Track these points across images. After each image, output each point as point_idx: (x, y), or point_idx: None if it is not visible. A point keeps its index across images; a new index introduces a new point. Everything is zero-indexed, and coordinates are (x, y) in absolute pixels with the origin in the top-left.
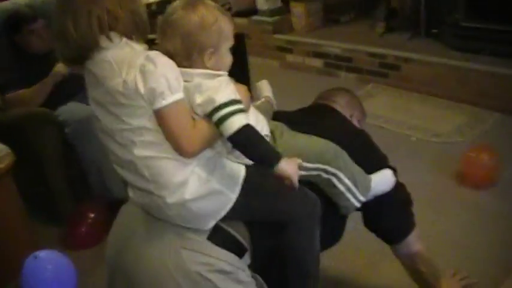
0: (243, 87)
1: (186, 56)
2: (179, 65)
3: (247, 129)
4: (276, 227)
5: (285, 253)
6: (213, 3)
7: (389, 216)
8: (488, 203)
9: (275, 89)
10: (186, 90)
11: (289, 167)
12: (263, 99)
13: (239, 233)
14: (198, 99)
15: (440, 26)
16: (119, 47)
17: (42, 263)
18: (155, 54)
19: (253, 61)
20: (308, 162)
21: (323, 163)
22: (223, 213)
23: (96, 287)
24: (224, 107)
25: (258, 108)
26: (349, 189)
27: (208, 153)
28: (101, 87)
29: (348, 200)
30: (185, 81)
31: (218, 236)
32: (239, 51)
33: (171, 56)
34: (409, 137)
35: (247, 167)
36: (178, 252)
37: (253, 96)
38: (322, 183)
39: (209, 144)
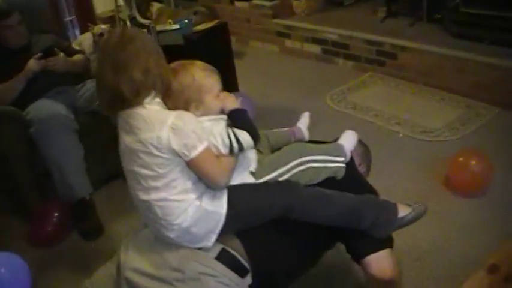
0: (231, 98)
1: (184, 108)
2: None
3: (251, 135)
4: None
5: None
6: (194, 64)
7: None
8: (473, 213)
9: (273, 74)
10: None
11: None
12: (287, 128)
13: (242, 256)
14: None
15: (443, 11)
16: (151, 103)
17: None
18: (181, 113)
19: (254, 45)
20: (285, 165)
21: (294, 159)
22: (220, 226)
23: (55, 282)
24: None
25: (275, 133)
26: (327, 161)
27: (196, 185)
28: (133, 136)
29: (333, 168)
30: None
31: (224, 257)
32: (223, 40)
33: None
34: (397, 133)
35: (228, 186)
36: (189, 259)
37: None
38: (309, 175)
39: (233, 169)
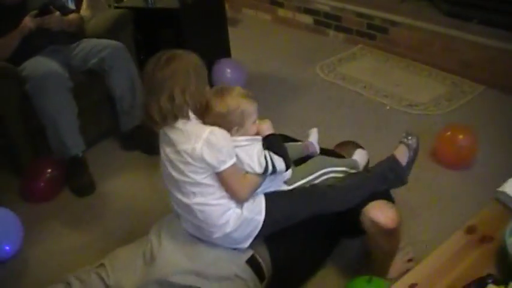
0: (267, 123)
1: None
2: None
3: (285, 161)
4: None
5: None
6: (238, 91)
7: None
8: (456, 184)
9: (265, 43)
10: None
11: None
12: (300, 143)
13: (265, 263)
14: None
15: None
16: (190, 119)
17: None
18: (215, 129)
19: (247, 13)
20: (312, 174)
21: (319, 169)
22: (257, 231)
23: (44, 238)
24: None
25: (291, 146)
26: (345, 172)
27: None
28: (172, 147)
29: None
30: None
31: (252, 262)
32: (218, 5)
33: None
34: (384, 105)
35: (265, 194)
36: (225, 260)
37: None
38: (331, 181)
39: (256, 188)
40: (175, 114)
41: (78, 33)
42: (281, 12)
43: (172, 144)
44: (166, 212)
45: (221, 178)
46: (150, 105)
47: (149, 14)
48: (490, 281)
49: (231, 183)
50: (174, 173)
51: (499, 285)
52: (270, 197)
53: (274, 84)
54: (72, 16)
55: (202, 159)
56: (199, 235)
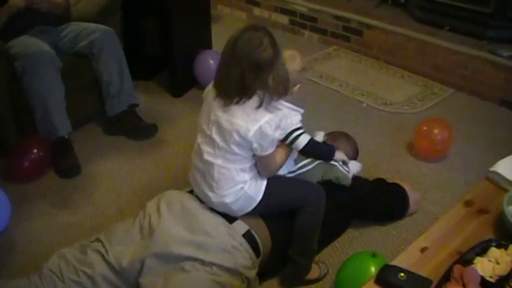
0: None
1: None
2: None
3: (311, 142)
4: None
5: (295, 231)
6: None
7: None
8: (428, 176)
9: None
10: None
11: (339, 155)
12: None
13: (261, 238)
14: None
15: None
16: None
17: None
18: (272, 119)
19: (221, 10)
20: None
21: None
22: (251, 209)
23: (32, 217)
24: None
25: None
26: (340, 165)
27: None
28: (228, 115)
29: (343, 172)
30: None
31: (248, 237)
32: (203, 4)
33: None
34: (361, 103)
35: (268, 179)
36: (224, 232)
37: None
38: (327, 168)
39: (281, 167)
40: (275, 91)
41: (64, 16)
42: (257, 11)
43: (229, 112)
44: (157, 193)
45: (259, 159)
46: (253, 82)
47: (135, 1)
48: (493, 244)
49: (265, 164)
50: (215, 135)
51: (499, 248)
52: (272, 181)
53: None
54: None
55: (249, 141)
56: (201, 192)
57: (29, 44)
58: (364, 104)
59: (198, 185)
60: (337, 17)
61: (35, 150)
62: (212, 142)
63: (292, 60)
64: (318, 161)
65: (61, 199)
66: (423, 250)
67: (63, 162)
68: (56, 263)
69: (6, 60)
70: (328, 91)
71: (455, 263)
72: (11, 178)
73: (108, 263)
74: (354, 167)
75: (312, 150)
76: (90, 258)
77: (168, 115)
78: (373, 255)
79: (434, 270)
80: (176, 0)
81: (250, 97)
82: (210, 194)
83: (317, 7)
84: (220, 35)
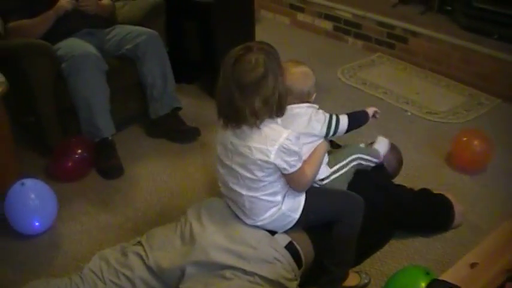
0: (324, 143)
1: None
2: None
3: (350, 117)
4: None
5: (332, 241)
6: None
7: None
8: (471, 188)
9: (285, 45)
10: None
11: (370, 110)
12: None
13: (304, 250)
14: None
15: (454, 4)
16: (266, 121)
17: (27, 189)
18: (291, 134)
19: (265, 15)
20: (346, 158)
21: (352, 154)
22: (289, 227)
23: (73, 216)
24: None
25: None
26: (368, 160)
27: (283, 188)
28: (244, 141)
29: (370, 165)
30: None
31: (290, 248)
32: (247, 3)
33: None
34: (405, 111)
35: (306, 193)
36: (266, 243)
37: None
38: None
39: (314, 179)
40: (266, 114)
41: (110, 19)
42: (301, 16)
43: (244, 138)
44: (198, 197)
45: (288, 177)
46: (244, 104)
47: (178, 5)
48: None
49: (295, 181)
50: (236, 165)
51: None
52: (310, 196)
53: None
54: (105, 1)
55: (273, 163)
56: (240, 215)
57: (76, 46)
58: (409, 113)
59: (232, 209)
60: (382, 24)
61: (79, 151)
62: (235, 173)
63: (306, 77)
64: (352, 163)
65: (102, 200)
66: (473, 266)
67: (106, 163)
68: (97, 264)
69: (52, 61)
70: (371, 98)
71: (507, 280)
72: (54, 177)
73: (148, 267)
74: (382, 146)
75: (354, 123)
76: (131, 261)
77: (211, 119)
78: (427, 273)
79: (485, 287)
80: (219, 4)
81: (244, 120)
82: (247, 220)
83: (361, 13)
84: (264, 40)
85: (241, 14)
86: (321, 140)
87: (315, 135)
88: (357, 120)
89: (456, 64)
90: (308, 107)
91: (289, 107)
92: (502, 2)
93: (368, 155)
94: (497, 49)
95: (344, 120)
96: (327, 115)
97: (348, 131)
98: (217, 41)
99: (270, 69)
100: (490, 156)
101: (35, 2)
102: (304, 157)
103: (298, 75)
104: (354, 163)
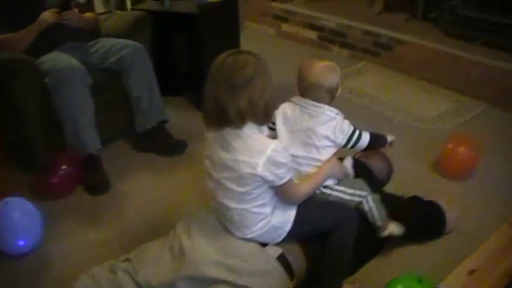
0: (333, 160)
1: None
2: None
3: (372, 136)
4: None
5: (325, 253)
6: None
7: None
8: (461, 194)
9: (271, 55)
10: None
11: (389, 137)
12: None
13: (296, 262)
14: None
15: (438, 11)
16: (252, 129)
17: (11, 208)
18: (277, 145)
19: (249, 26)
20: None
21: (359, 189)
22: (280, 239)
23: (60, 234)
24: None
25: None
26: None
27: (271, 200)
28: (230, 154)
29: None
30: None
31: (281, 260)
32: (232, 14)
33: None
34: (392, 119)
35: (298, 206)
36: (257, 255)
37: None
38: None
39: (307, 196)
40: (251, 115)
41: (94, 32)
42: (285, 26)
43: (230, 151)
44: (187, 211)
45: (279, 189)
46: (229, 104)
47: (165, 17)
48: None
49: (287, 193)
50: (224, 179)
51: None
52: (301, 208)
53: (282, 94)
54: (89, 15)
55: (261, 176)
56: (230, 228)
57: (59, 60)
58: (396, 121)
59: (222, 222)
60: (367, 32)
61: (65, 167)
62: (223, 187)
63: (334, 70)
64: (355, 198)
65: (90, 216)
66: (471, 273)
67: (93, 179)
68: (85, 283)
69: (36, 76)
70: (359, 107)
71: (507, 286)
72: (40, 194)
73: (137, 284)
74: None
75: (373, 144)
76: (120, 278)
77: (198, 131)
78: (420, 281)
79: None
80: (206, 16)
81: (228, 120)
82: (237, 233)
83: (346, 22)
84: (249, 49)
85: (226, 25)
86: (336, 149)
87: (333, 142)
88: (376, 142)
89: (442, 70)
90: (337, 113)
91: (321, 105)
92: (485, 9)
93: (373, 201)
94: (483, 55)
95: (365, 138)
96: (352, 128)
97: (365, 149)
98: (203, 53)
99: (259, 71)
100: (478, 161)
101: (18, 16)
102: (324, 157)
103: (327, 69)
104: (357, 199)
